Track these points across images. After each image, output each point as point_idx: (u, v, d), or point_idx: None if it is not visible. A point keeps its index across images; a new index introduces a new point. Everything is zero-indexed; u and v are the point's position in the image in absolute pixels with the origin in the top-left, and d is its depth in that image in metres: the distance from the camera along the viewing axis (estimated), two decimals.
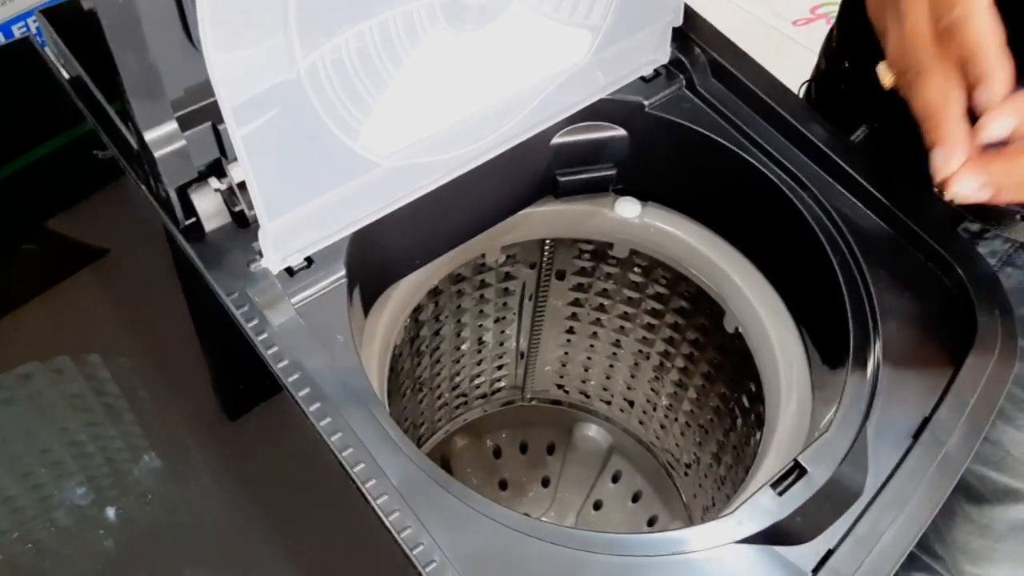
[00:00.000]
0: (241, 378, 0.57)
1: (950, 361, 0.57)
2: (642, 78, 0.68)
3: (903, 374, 0.56)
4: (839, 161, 0.63)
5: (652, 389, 0.95)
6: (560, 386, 1.04)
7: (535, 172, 0.70)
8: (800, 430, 0.63)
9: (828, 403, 0.59)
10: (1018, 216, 0.64)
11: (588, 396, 1.05)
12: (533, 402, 1.08)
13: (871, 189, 0.62)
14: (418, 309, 0.78)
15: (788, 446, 0.62)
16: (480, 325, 0.91)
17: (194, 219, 0.54)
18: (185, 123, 0.49)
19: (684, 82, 0.69)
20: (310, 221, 0.54)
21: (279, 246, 0.53)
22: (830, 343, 0.63)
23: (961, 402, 0.54)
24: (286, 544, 0.51)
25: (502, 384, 1.04)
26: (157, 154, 0.49)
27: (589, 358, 0.97)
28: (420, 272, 0.70)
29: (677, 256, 0.76)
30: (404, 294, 0.70)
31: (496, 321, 0.92)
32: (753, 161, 0.66)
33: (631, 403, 1.01)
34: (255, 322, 0.51)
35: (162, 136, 0.48)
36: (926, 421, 0.54)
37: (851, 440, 0.54)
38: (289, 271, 0.56)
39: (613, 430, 1.06)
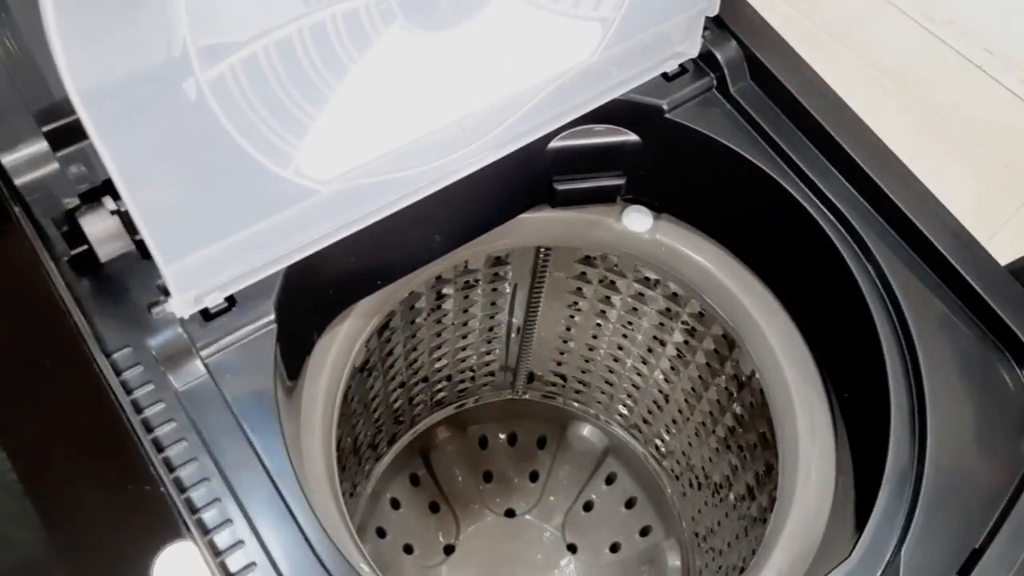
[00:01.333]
0: None
1: (1009, 476, 0.46)
2: (664, 75, 0.56)
3: (950, 488, 0.45)
4: (899, 206, 0.51)
5: (665, 380, 0.84)
6: (559, 363, 0.92)
7: (528, 179, 0.59)
8: (818, 520, 0.53)
9: (846, 502, 0.49)
10: None
11: (587, 386, 0.94)
12: (526, 396, 0.98)
13: (936, 244, 0.50)
14: (387, 321, 0.68)
15: (802, 541, 0.52)
16: (465, 310, 0.81)
17: (85, 247, 0.43)
18: (58, 140, 0.38)
19: (714, 82, 0.56)
20: (230, 255, 0.44)
21: (187, 285, 0.43)
22: (862, 424, 0.52)
23: (1021, 533, 0.44)
24: None
25: (491, 365, 0.93)
26: (19, 182, 0.38)
27: (594, 337, 0.85)
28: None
29: (691, 281, 0.64)
30: (364, 313, 0.59)
31: (484, 307, 0.81)
32: (790, 189, 0.54)
33: (635, 401, 0.90)
34: (147, 389, 0.41)
35: (26, 158, 0.37)
36: (976, 555, 0.44)
37: (879, 572, 0.44)
38: (205, 314, 0.45)
39: (610, 432, 0.97)
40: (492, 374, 0.94)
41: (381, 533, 0.95)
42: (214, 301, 0.44)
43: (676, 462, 0.89)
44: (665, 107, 0.55)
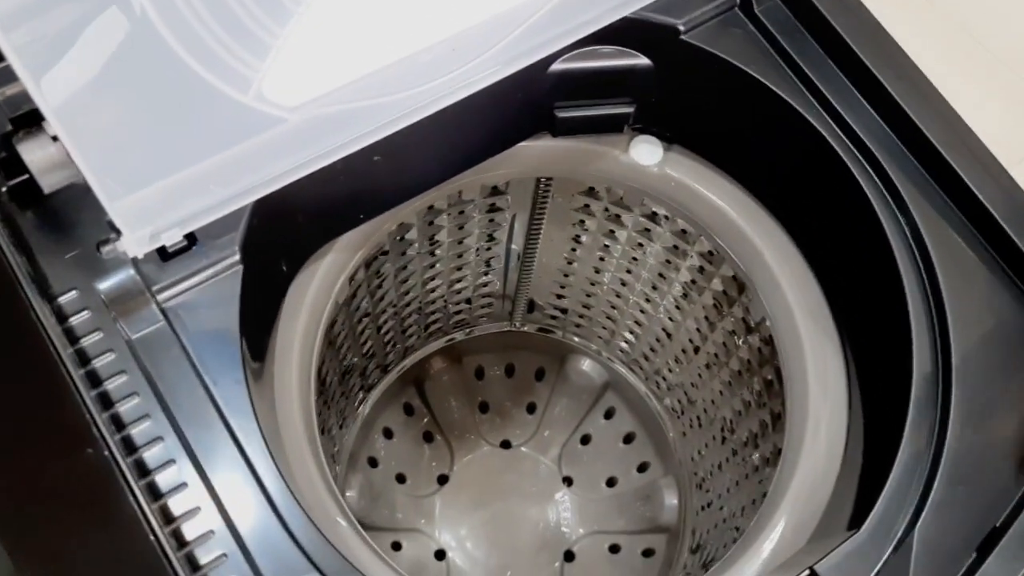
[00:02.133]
0: None
1: None
2: None
3: (973, 461, 0.42)
4: (937, 147, 0.46)
5: (670, 318, 0.80)
6: (559, 296, 0.88)
7: (525, 104, 0.53)
8: (826, 482, 0.50)
9: (851, 478, 0.46)
10: None
11: (589, 320, 0.90)
12: (524, 328, 0.94)
13: (975, 192, 0.45)
14: (375, 254, 0.64)
15: (806, 503, 0.49)
16: (460, 241, 0.76)
17: (25, 176, 0.38)
18: None
19: (737, 0, 0.51)
20: (188, 189, 0.39)
21: (140, 221, 0.38)
22: (879, 382, 0.48)
23: None
24: None
25: (489, 296, 0.89)
26: None
27: (596, 271, 0.81)
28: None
29: (701, 219, 0.59)
30: (346, 248, 0.55)
31: (480, 237, 0.77)
32: (815, 123, 0.48)
33: (636, 337, 0.86)
34: (95, 338, 0.37)
35: None
36: (996, 532, 0.40)
37: (890, 547, 0.41)
38: (163, 253, 0.41)
39: (610, 367, 0.94)
40: (490, 304, 0.90)
41: (373, 463, 0.93)
42: (172, 239, 0.40)
43: (678, 400, 0.86)
44: (681, 27, 0.50)
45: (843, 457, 0.50)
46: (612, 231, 0.72)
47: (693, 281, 0.70)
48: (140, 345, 0.38)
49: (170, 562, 0.33)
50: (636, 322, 0.83)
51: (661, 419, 0.91)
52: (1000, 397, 0.43)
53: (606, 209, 0.69)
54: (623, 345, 0.89)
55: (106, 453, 0.34)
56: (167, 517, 0.35)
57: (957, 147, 0.45)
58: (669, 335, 0.80)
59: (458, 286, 0.82)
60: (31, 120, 0.37)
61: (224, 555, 0.35)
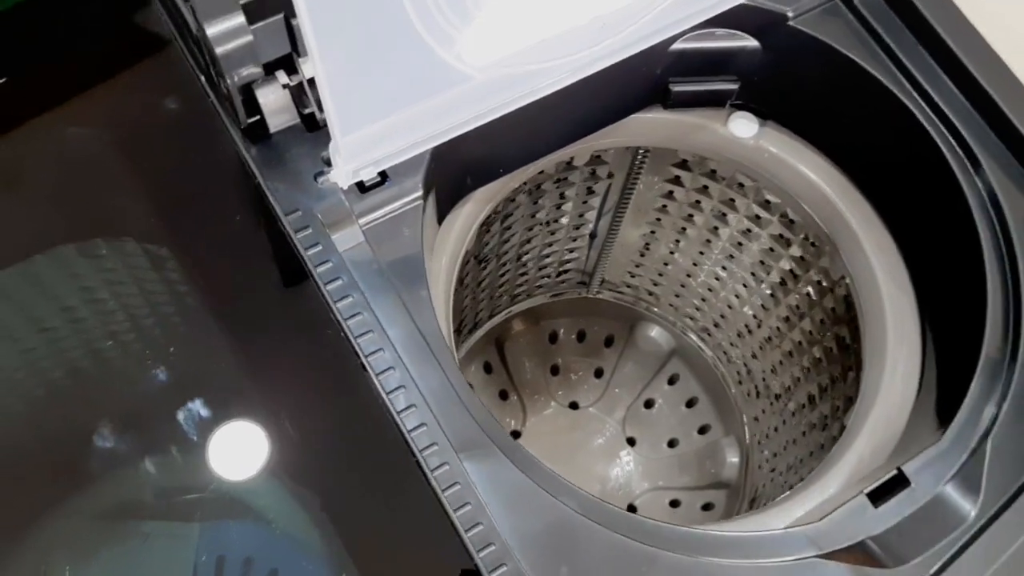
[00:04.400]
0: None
1: None
2: None
3: None
4: (1012, 120, 0.53)
5: (736, 296, 0.88)
6: (632, 276, 0.96)
7: (646, 78, 0.61)
8: (902, 413, 0.57)
9: (931, 413, 0.53)
10: None
11: (657, 297, 0.98)
12: (600, 295, 1.02)
13: None
14: (494, 211, 0.71)
15: (884, 430, 0.56)
16: (558, 207, 0.84)
17: (257, 117, 0.47)
18: (253, 14, 0.41)
19: None
20: (389, 133, 0.47)
21: (352, 157, 0.46)
22: (955, 329, 0.55)
23: None
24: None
25: (570, 266, 0.97)
26: (219, 50, 0.41)
27: (672, 253, 0.89)
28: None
29: (790, 188, 0.67)
30: (480, 200, 0.63)
31: (575, 207, 0.85)
32: (905, 100, 0.56)
33: (709, 305, 0.94)
34: (317, 248, 0.45)
35: (226, 30, 0.41)
36: None
37: (967, 454, 0.48)
38: (360, 186, 0.49)
39: (677, 335, 1.01)
40: (569, 272, 0.98)
41: None
42: (369, 175, 0.48)
43: (738, 371, 0.93)
44: (790, 14, 0.57)
45: (917, 396, 0.58)
46: (698, 201, 0.79)
47: (771, 249, 0.77)
48: (348, 257, 0.46)
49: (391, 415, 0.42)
50: (709, 289, 0.91)
51: (726, 383, 0.98)
52: None
53: (693, 185, 0.77)
54: (693, 312, 0.97)
55: (341, 334, 0.42)
56: (384, 388, 0.43)
57: None
58: (741, 302, 0.87)
59: (548, 250, 0.90)
60: (271, 69, 0.45)
61: (424, 424, 0.43)
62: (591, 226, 0.88)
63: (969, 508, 0.46)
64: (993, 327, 0.51)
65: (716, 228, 0.81)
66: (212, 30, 0.40)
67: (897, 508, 0.47)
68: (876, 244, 0.62)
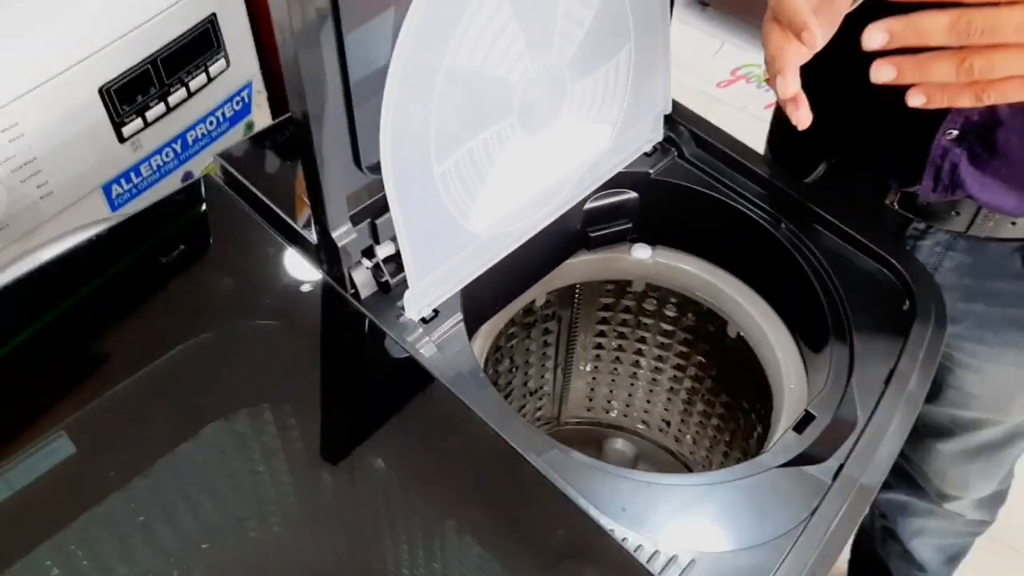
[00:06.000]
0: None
1: (902, 331, 0.79)
2: (645, 153, 0.91)
3: (871, 344, 0.78)
4: (802, 199, 0.86)
5: (668, 399, 1.16)
6: (589, 409, 1.24)
7: (572, 231, 0.92)
8: (801, 400, 0.84)
9: (820, 373, 0.81)
10: (952, 212, 0.85)
11: (613, 415, 1.25)
12: (567, 425, 1.28)
13: (828, 217, 0.85)
14: (493, 348, 0.98)
15: (795, 411, 0.83)
16: (527, 361, 1.11)
17: (354, 291, 0.74)
18: (356, 217, 0.70)
19: (676, 153, 0.92)
20: (437, 282, 0.75)
21: (419, 300, 0.73)
22: (816, 335, 0.85)
23: (913, 356, 0.77)
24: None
25: (540, 415, 1.23)
26: (341, 244, 0.69)
27: (613, 380, 1.18)
28: (492, 319, 0.91)
29: (685, 284, 0.98)
30: (485, 335, 0.90)
31: (538, 359, 1.13)
32: (738, 207, 0.88)
33: (648, 414, 1.21)
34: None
35: (343, 232, 0.69)
36: (891, 372, 0.76)
37: (843, 391, 0.76)
38: (423, 320, 0.76)
39: (638, 441, 1.27)
40: (542, 408, 1.24)
41: None
42: (427, 312, 0.75)
43: (692, 443, 1.19)
44: (651, 172, 0.90)
45: (807, 375, 0.86)
46: (624, 320, 1.09)
47: (687, 340, 1.07)
48: (429, 362, 0.72)
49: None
50: (651, 390, 1.19)
51: (684, 466, 1.23)
52: (879, 316, 0.80)
53: (619, 304, 1.07)
54: (644, 416, 1.23)
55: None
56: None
57: (819, 197, 0.85)
58: (673, 389, 1.15)
59: (522, 400, 1.16)
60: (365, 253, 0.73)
61: None
62: (551, 370, 1.15)
63: (854, 420, 0.73)
64: (834, 322, 0.81)
65: (643, 338, 1.10)
66: (336, 232, 0.68)
67: (812, 431, 0.73)
68: (753, 305, 0.93)
